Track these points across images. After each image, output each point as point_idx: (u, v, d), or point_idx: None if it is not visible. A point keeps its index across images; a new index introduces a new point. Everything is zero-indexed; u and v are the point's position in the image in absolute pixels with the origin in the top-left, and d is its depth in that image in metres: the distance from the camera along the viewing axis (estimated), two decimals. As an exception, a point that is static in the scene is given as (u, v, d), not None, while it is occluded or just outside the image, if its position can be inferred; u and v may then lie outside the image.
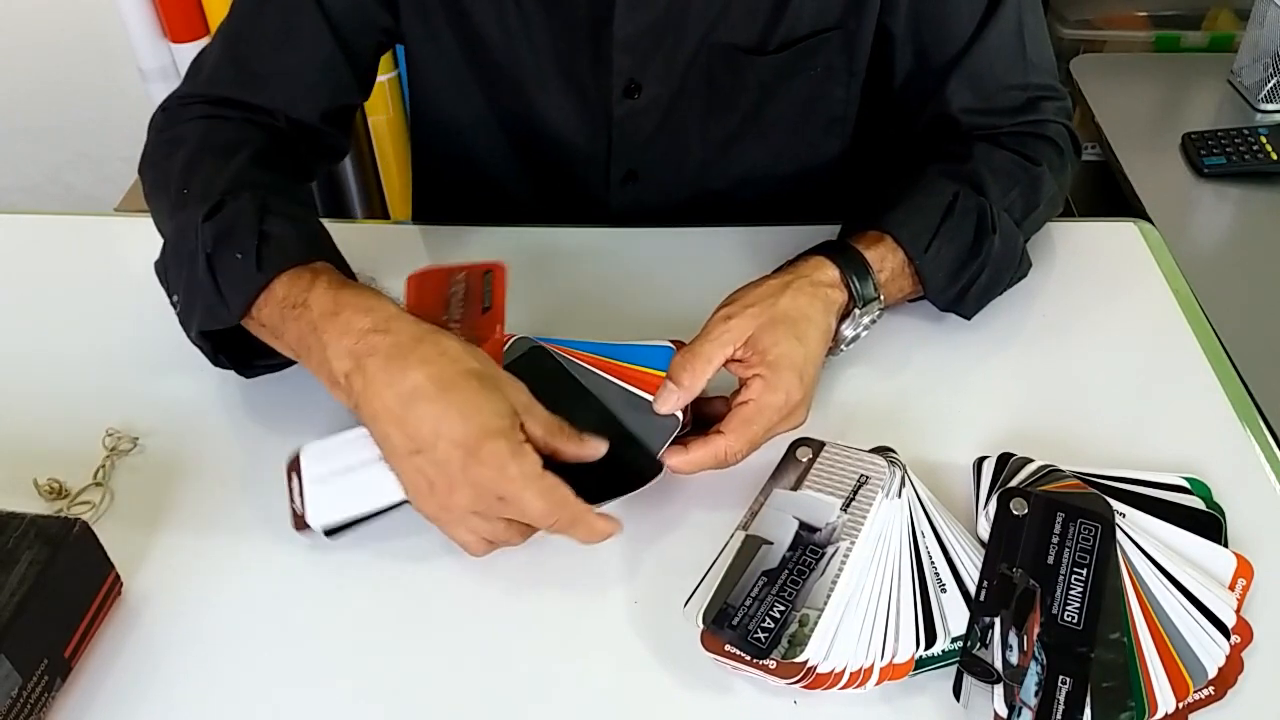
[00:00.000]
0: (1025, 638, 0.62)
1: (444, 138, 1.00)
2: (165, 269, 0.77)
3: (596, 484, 0.68)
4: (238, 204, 0.74)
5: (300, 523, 0.70)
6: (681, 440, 0.71)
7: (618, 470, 0.69)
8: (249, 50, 0.86)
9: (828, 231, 0.86)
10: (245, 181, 0.76)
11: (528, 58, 0.90)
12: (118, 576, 0.68)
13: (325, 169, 0.95)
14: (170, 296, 0.76)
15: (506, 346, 0.75)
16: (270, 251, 0.71)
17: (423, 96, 0.98)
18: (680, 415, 0.71)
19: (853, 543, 0.66)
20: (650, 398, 0.71)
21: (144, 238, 0.84)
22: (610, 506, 0.68)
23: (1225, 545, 0.69)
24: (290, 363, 0.74)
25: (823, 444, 0.74)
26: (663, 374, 0.72)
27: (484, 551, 0.66)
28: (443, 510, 0.65)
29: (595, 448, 0.68)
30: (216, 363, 0.78)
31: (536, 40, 0.88)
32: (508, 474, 0.63)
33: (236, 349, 0.77)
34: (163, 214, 0.80)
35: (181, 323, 0.76)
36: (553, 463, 0.66)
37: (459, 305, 0.77)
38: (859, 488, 0.70)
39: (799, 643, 0.61)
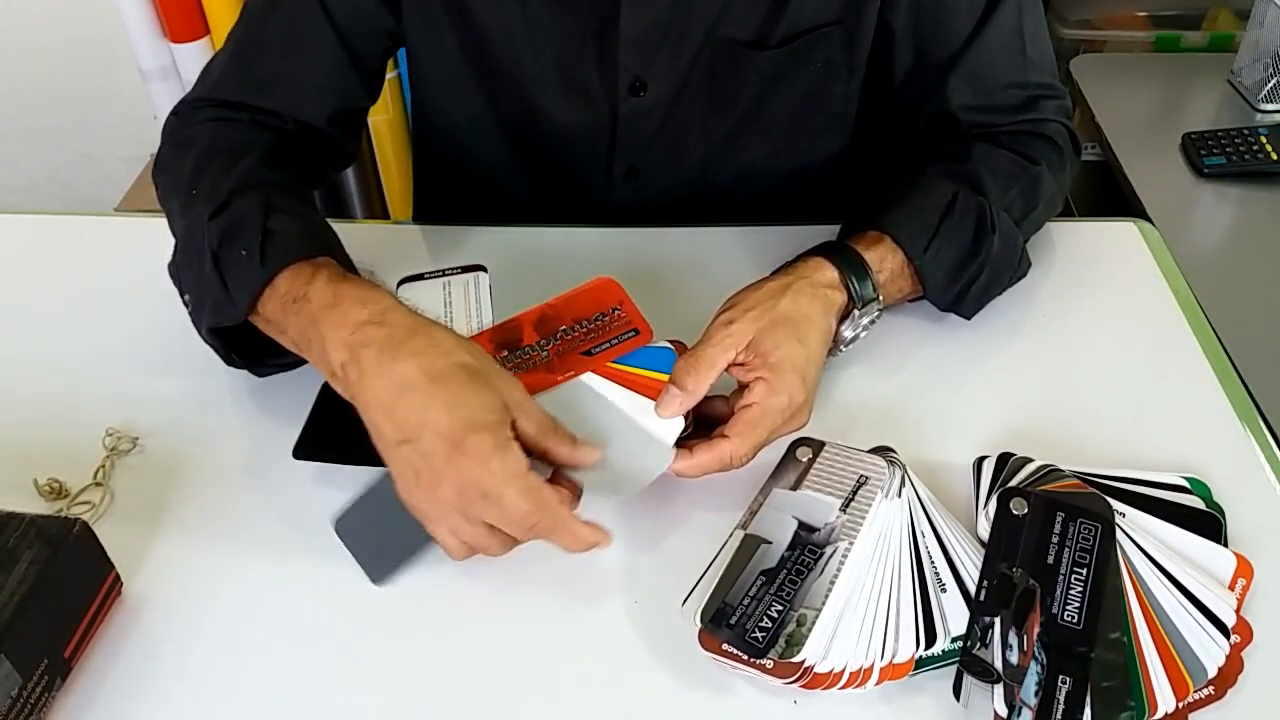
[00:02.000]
0: (1025, 637, 0.62)
1: (444, 137, 1.00)
2: (177, 269, 0.78)
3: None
4: (244, 202, 0.74)
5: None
6: (685, 443, 0.71)
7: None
8: (256, 56, 0.87)
9: (828, 231, 0.86)
10: (252, 181, 0.77)
11: (530, 59, 0.90)
12: (118, 576, 0.68)
13: (335, 173, 0.96)
14: (182, 296, 0.77)
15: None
16: (273, 248, 0.72)
17: (424, 97, 0.98)
18: (682, 418, 0.71)
19: (851, 543, 0.66)
20: (652, 402, 0.72)
21: (144, 238, 0.84)
22: (605, 514, 0.67)
23: (1225, 545, 0.69)
24: (301, 361, 0.74)
25: (822, 444, 0.74)
26: (663, 377, 0.72)
27: (463, 555, 0.66)
28: (427, 504, 0.64)
29: (588, 454, 0.68)
30: (230, 362, 0.78)
31: (540, 41, 0.88)
32: (489, 469, 0.62)
33: (248, 348, 0.77)
34: (174, 215, 0.80)
35: (193, 321, 0.77)
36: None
37: (588, 328, 0.76)
38: (858, 488, 0.70)
39: (796, 642, 0.61)
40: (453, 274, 0.82)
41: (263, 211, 0.74)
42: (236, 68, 0.88)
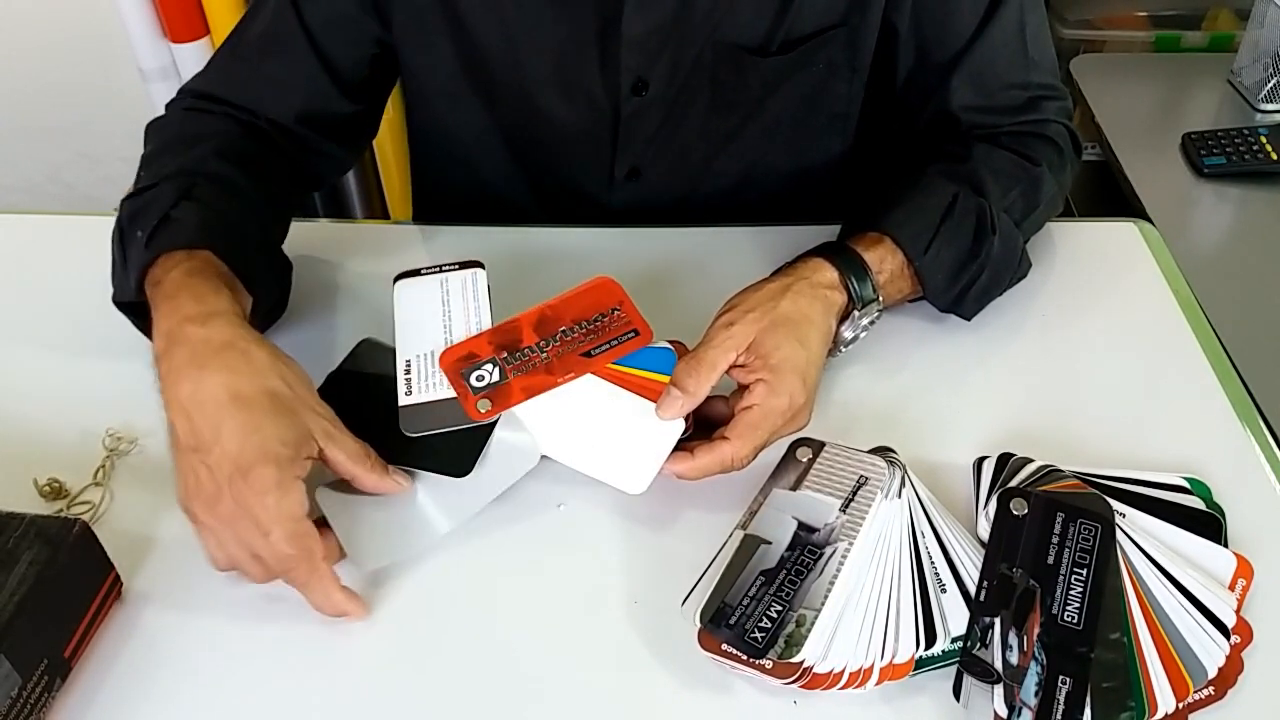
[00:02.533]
0: (1025, 638, 0.62)
1: (441, 143, 1.00)
2: (111, 242, 0.80)
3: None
4: (163, 187, 0.77)
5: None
6: (685, 445, 0.71)
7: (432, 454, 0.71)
8: (238, 54, 0.90)
9: (828, 232, 0.86)
10: (193, 170, 0.79)
11: (529, 62, 0.90)
12: (118, 576, 0.68)
13: (327, 174, 0.97)
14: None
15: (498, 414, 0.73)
16: (163, 233, 0.74)
17: (418, 103, 0.98)
18: (683, 420, 0.71)
19: (851, 543, 0.66)
20: (652, 404, 0.71)
21: (144, 238, 0.84)
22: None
23: (1225, 545, 0.69)
24: None
25: (822, 444, 0.74)
26: (664, 378, 0.72)
27: (225, 569, 0.66)
28: (203, 513, 0.64)
29: (396, 484, 0.69)
30: (148, 335, 0.78)
31: (540, 44, 0.88)
32: (265, 503, 0.63)
33: None
34: None
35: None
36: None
37: (588, 329, 0.76)
38: (858, 488, 0.69)
39: (796, 643, 0.61)
40: (450, 270, 0.82)
41: (174, 198, 0.76)
42: (222, 64, 0.91)
